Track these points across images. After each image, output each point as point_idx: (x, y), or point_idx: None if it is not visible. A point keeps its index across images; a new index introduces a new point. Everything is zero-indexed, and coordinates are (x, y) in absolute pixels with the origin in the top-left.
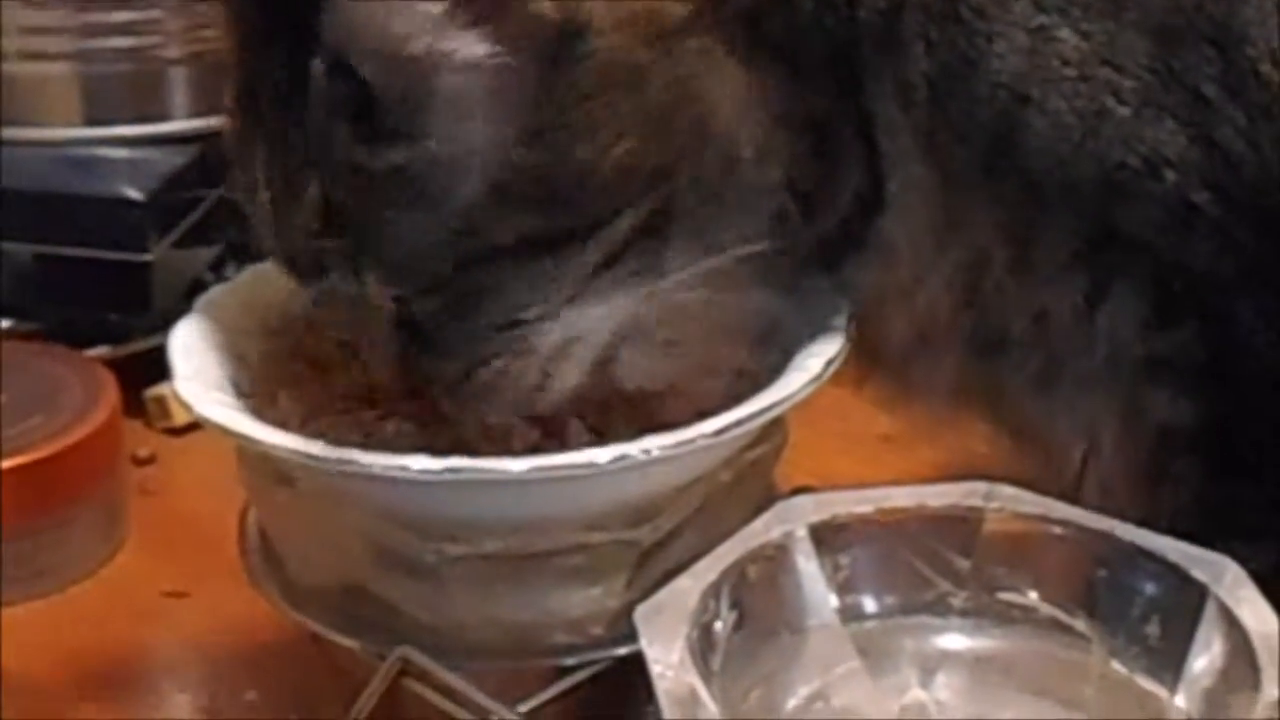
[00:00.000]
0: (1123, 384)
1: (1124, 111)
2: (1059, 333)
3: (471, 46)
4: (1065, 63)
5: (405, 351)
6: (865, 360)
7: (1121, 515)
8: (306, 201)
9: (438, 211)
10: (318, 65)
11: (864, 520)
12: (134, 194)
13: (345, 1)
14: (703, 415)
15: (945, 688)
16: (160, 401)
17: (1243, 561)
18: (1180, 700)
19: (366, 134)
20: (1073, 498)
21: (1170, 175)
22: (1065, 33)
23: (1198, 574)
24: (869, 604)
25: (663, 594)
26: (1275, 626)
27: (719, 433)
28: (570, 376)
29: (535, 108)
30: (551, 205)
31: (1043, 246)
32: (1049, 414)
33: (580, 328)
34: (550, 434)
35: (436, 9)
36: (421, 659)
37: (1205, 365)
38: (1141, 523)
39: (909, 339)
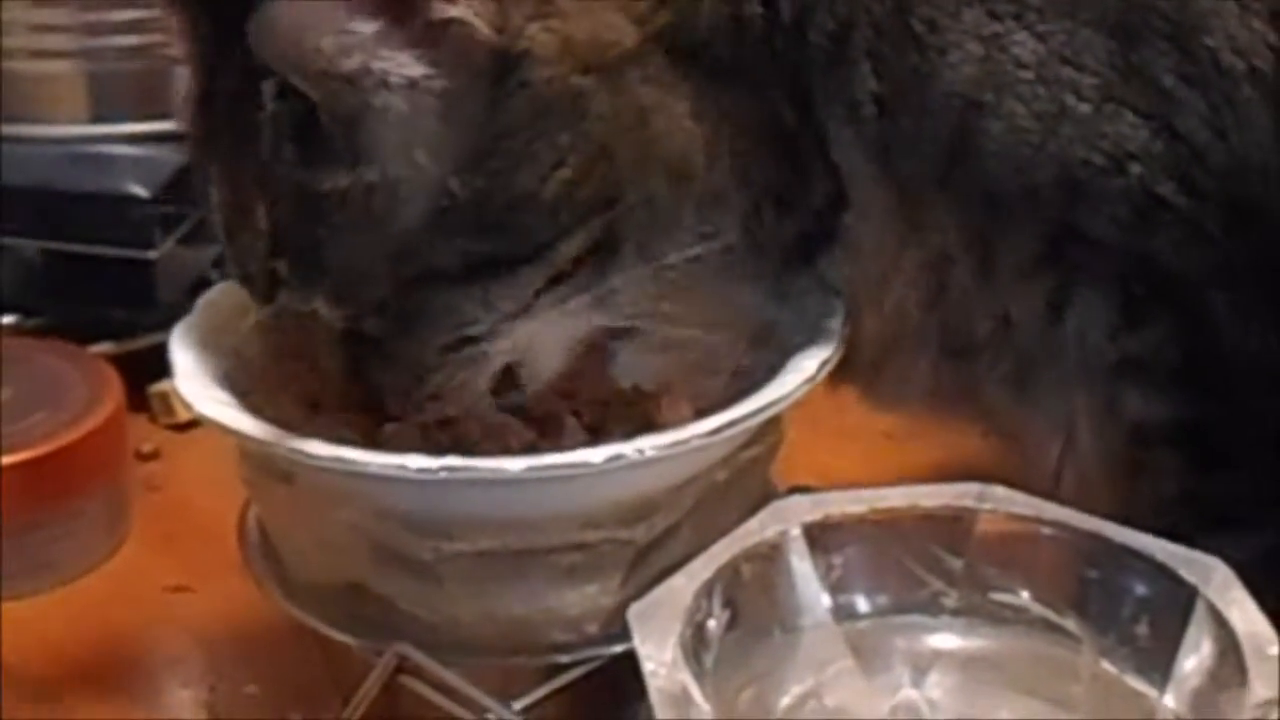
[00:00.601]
0: (1096, 383)
1: (1084, 109)
2: (1026, 336)
3: (408, 67)
4: (1022, 66)
5: (355, 362)
6: (843, 360)
7: (1100, 509)
8: (256, 221)
9: (381, 234)
10: (268, 85)
11: (857, 520)
12: (139, 191)
13: (273, 17)
14: (698, 415)
15: (937, 687)
16: (164, 397)
17: (1223, 553)
18: (1169, 700)
19: (310, 156)
20: (1052, 493)
21: (1135, 169)
22: (1021, 35)
23: (1187, 575)
24: (862, 603)
25: (657, 592)
26: (1263, 627)
27: (714, 432)
28: (525, 384)
29: (474, 134)
30: (493, 231)
31: (1003, 252)
32: (1024, 413)
33: (528, 340)
34: (546, 433)
35: (369, 28)
36: (418, 655)
37: (1179, 362)
38: (1121, 517)
39: (883, 338)
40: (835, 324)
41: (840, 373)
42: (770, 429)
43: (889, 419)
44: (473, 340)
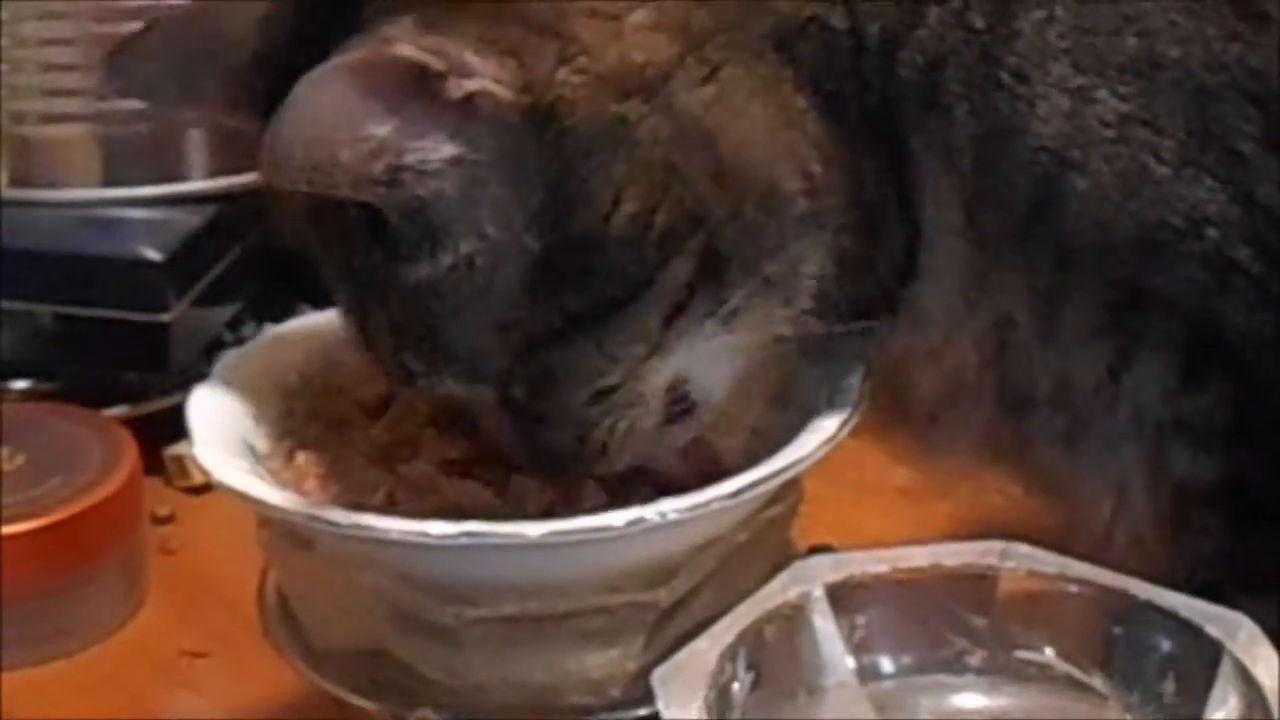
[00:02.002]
0: (1146, 441)
1: (1164, 171)
2: (1083, 396)
3: (441, 150)
4: (1105, 124)
5: (519, 430)
6: (892, 414)
7: (1154, 567)
8: (375, 320)
9: (482, 311)
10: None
11: (880, 579)
12: (152, 254)
13: (280, 142)
14: (716, 475)
15: None
16: (179, 460)
17: (1260, 615)
18: None
19: (393, 252)
20: (1103, 550)
21: (1211, 233)
22: (1103, 94)
23: (1212, 631)
24: (886, 663)
25: (680, 655)
26: None
27: (735, 494)
28: (656, 418)
29: (533, 191)
30: (580, 282)
31: (1068, 314)
32: (1076, 470)
33: (670, 373)
34: (566, 497)
35: (386, 128)
36: None
37: (1229, 424)
38: (1170, 574)
39: (937, 395)
40: (855, 382)
41: (892, 425)
42: (790, 489)
43: (905, 474)
44: (612, 390)
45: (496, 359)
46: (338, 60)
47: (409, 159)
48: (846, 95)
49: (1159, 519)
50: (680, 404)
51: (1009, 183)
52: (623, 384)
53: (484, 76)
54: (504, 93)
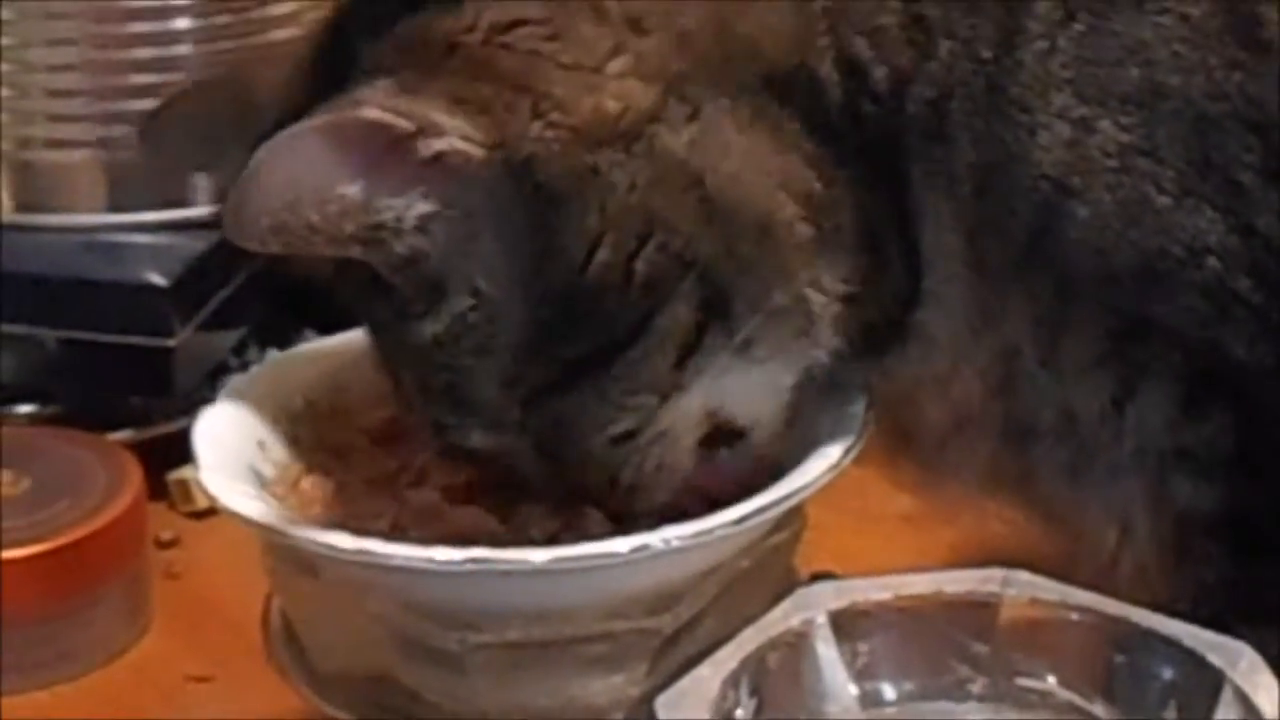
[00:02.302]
0: (1149, 472)
1: (1165, 201)
2: (1087, 427)
3: (415, 208)
4: (1106, 154)
5: (550, 470)
6: (898, 442)
7: (1159, 596)
8: (404, 376)
9: (489, 364)
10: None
11: (883, 607)
12: (157, 280)
13: (242, 204)
14: (719, 502)
15: None
16: (183, 485)
17: (1261, 645)
18: None
19: (397, 310)
20: (1107, 579)
21: (1211, 262)
22: (1105, 124)
23: (1214, 659)
24: (888, 690)
25: (684, 682)
26: None
27: (739, 521)
28: (688, 454)
29: (514, 244)
30: (573, 331)
31: (1069, 344)
32: (1080, 500)
33: (699, 408)
34: (570, 524)
35: (351, 191)
36: None
37: (1231, 454)
38: (1173, 603)
39: (944, 424)
40: (858, 409)
41: (900, 455)
42: (793, 516)
43: (907, 501)
44: (631, 434)
45: (508, 412)
46: (305, 123)
47: (384, 217)
48: (839, 131)
49: (1162, 549)
50: (727, 431)
51: (1010, 210)
52: (641, 429)
53: (452, 135)
54: (474, 150)
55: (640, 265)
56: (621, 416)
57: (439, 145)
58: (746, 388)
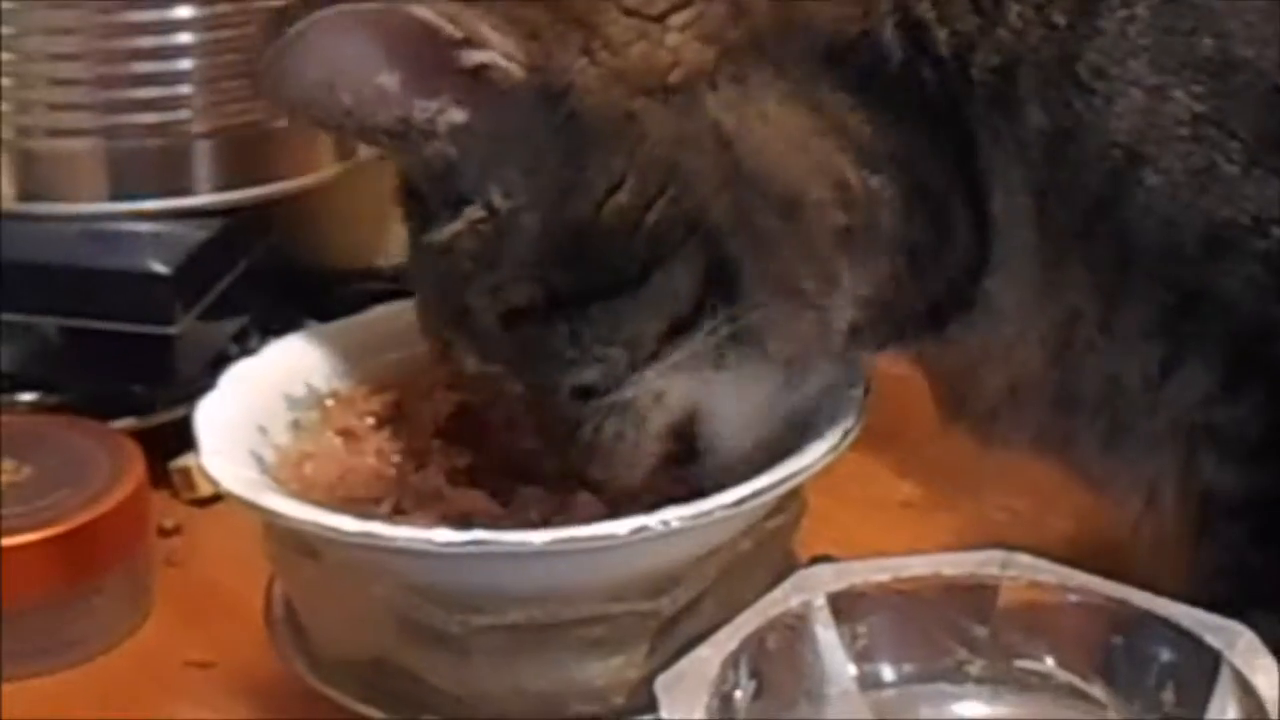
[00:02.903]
0: (1180, 446)
1: (1232, 170)
2: (1129, 396)
3: (448, 114)
4: (1179, 122)
5: (537, 419)
6: (952, 409)
7: (1177, 571)
8: (422, 291)
9: (485, 278)
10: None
11: (882, 589)
12: (159, 268)
13: (286, 68)
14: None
15: None
16: (185, 473)
17: (1267, 631)
18: None
19: (422, 216)
20: (1126, 554)
21: (1276, 232)
22: (1179, 93)
23: (1212, 640)
24: (887, 672)
25: (683, 663)
26: None
27: (738, 503)
28: (652, 438)
29: (536, 168)
30: (575, 260)
31: (1126, 313)
32: (1112, 468)
33: (676, 401)
34: (562, 505)
35: (389, 82)
36: None
37: (1260, 436)
38: (1188, 582)
39: (1000, 392)
40: (857, 392)
41: (954, 418)
42: (793, 499)
43: (907, 488)
44: (595, 391)
45: (494, 329)
46: (357, 4)
47: (415, 117)
48: (900, 98)
49: (1184, 523)
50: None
51: (1080, 176)
52: (605, 388)
53: (496, 51)
54: (515, 70)
55: (650, 216)
56: (587, 365)
57: (481, 58)
58: (729, 392)
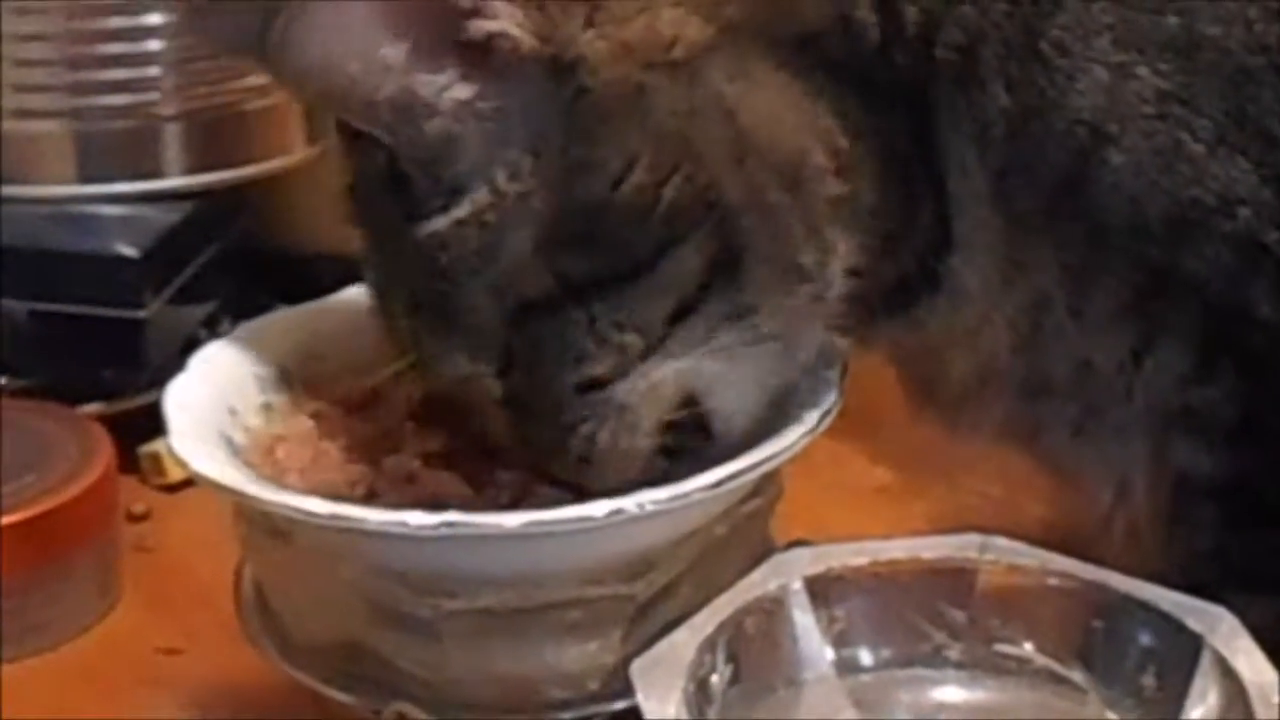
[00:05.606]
0: (1153, 431)
1: (1199, 149)
2: (1100, 382)
3: (454, 89)
4: (1144, 100)
5: (510, 417)
6: (920, 398)
7: (1149, 559)
8: (395, 292)
9: (489, 270)
10: (379, 155)
11: (859, 573)
12: (128, 251)
13: (291, 40)
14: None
15: None
16: (155, 458)
17: (1246, 614)
18: None
19: (407, 206)
20: (1099, 542)
21: (1243, 213)
22: (1143, 70)
23: (1193, 624)
24: (865, 656)
25: (660, 647)
26: (1271, 677)
27: (714, 486)
28: (642, 434)
29: (545, 148)
30: (584, 247)
31: (1096, 295)
32: (1082, 457)
33: (674, 390)
34: (526, 489)
35: (394, 53)
36: (418, 714)
37: (1234, 419)
38: (1164, 569)
39: (968, 379)
40: (834, 375)
41: (922, 406)
42: (770, 482)
43: (883, 473)
44: (601, 383)
45: (495, 326)
46: None
47: (421, 91)
48: (873, 78)
49: (1157, 511)
50: (694, 430)
51: (1043, 155)
52: (614, 379)
53: (506, 20)
54: (526, 39)
55: (667, 193)
56: (601, 354)
57: (491, 26)
58: (729, 377)
